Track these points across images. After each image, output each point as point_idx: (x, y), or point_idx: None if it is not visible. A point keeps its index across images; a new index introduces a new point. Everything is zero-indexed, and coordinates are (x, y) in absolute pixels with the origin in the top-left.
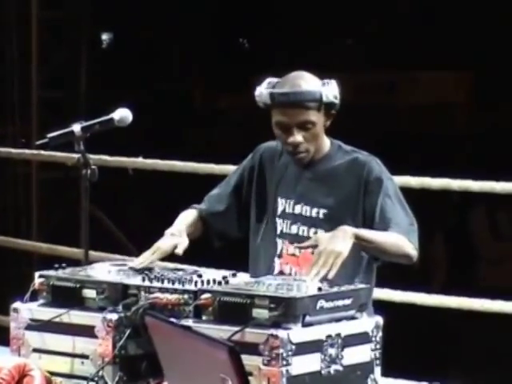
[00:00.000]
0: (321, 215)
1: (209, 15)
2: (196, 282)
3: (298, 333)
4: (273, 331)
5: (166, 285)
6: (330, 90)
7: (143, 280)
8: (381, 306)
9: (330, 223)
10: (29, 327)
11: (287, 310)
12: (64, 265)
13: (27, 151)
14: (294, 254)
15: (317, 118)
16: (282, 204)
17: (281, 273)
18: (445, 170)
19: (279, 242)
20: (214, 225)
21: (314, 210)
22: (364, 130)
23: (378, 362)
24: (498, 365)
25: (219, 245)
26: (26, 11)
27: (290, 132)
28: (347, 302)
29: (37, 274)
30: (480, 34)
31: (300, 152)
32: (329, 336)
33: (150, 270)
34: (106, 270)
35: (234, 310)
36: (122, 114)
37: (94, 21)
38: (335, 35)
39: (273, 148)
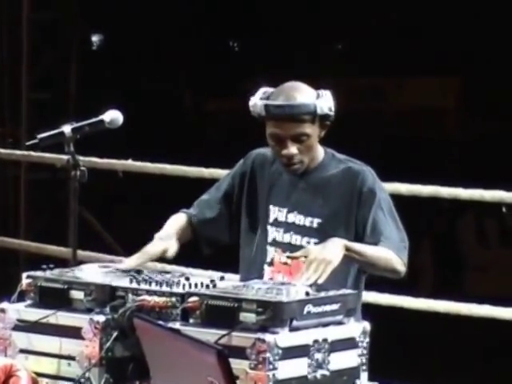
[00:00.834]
0: (314, 225)
1: (198, 18)
2: (184, 285)
3: (285, 337)
4: (260, 335)
5: (154, 287)
6: (324, 102)
7: (131, 282)
8: (369, 311)
9: (323, 233)
10: (16, 328)
11: (274, 315)
12: (52, 266)
13: (17, 152)
14: (286, 263)
15: (311, 130)
16: (274, 212)
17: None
18: (433, 175)
19: (271, 250)
20: (203, 232)
21: (308, 220)
22: (352, 135)
23: (364, 367)
24: (484, 368)
25: (208, 252)
26: (17, 12)
27: (285, 144)
28: (335, 307)
29: (24, 274)
30: (467, 40)
31: (294, 164)
32: (316, 341)
33: (139, 272)
34: (93, 271)
35: (222, 314)
36: (113, 116)
37: (84, 22)
38: (324, 40)
39: (264, 155)
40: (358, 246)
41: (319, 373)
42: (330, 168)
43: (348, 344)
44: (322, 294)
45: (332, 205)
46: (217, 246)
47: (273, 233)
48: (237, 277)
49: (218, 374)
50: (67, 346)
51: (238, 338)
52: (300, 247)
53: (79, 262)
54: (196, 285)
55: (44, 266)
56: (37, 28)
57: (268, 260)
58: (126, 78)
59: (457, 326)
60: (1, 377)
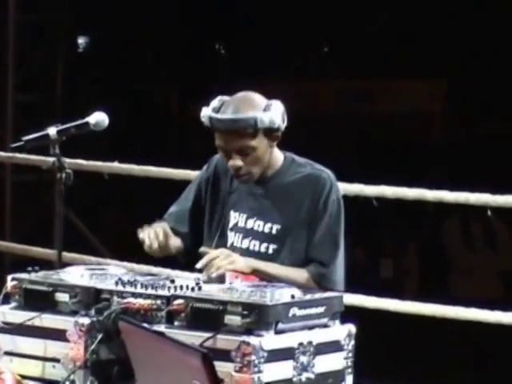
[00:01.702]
0: (274, 231)
1: (185, 23)
2: (169, 288)
3: (270, 340)
4: (245, 338)
5: (139, 290)
6: (268, 115)
7: (116, 284)
8: (354, 313)
9: (282, 239)
10: (1, 330)
11: (260, 317)
12: (37, 268)
13: (2, 154)
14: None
15: (256, 142)
16: (234, 217)
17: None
18: (420, 178)
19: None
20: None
21: (268, 226)
22: (340, 138)
23: (349, 370)
24: (471, 370)
25: (186, 260)
26: (3, 13)
27: (230, 156)
28: (320, 310)
29: (9, 276)
30: (455, 44)
31: (242, 175)
32: (301, 344)
33: (125, 274)
34: (78, 273)
35: (207, 316)
36: (98, 118)
37: (70, 24)
38: (311, 43)
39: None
40: (267, 268)
41: (304, 376)
42: (289, 174)
43: (333, 347)
44: (308, 297)
45: (291, 211)
46: (193, 255)
47: (232, 237)
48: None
49: (203, 378)
50: (52, 348)
51: (223, 341)
52: (258, 253)
53: (65, 264)
54: (181, 287)
55: (29, 268)
56: (23, 30)
57: None
58: (112, 80)
59: (443, 328)
60: None
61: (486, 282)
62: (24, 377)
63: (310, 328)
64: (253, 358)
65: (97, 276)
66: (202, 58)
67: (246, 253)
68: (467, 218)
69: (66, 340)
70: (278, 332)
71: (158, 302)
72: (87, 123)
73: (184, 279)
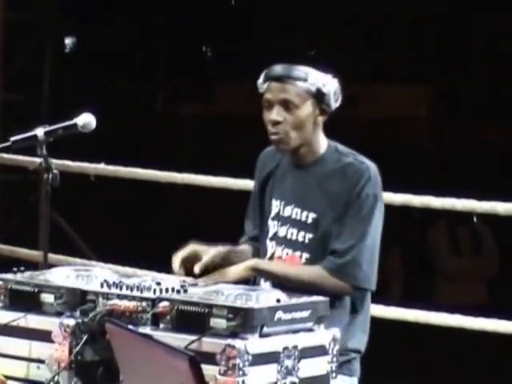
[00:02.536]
0: (309, 220)
1: (172, 23)
2: (155, 290)
3: (255, 343)
4: (230, 341)
5: (125, 291)
6: (322, 80)
7: (101, 286)
8: None
9: (317, 229)
10: None
11: (245, 321)
12: (22, 268)
13: None
14: (280, 257)
15: (302, 101)
16: (276, 206)
17: None
18: (405, 183)
19: (270, 244)
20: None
21: (304, 214)
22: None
23: (334, 374)
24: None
25: None
26: None
27: (272, 110)
28: (305, 314)
29: None
30: (440, 50)
31: (277, 133)
32: (286, 348)
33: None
34: (64, 274)
35: (192, 319)
36: (86, 120)
37: (57, 24)
38: (297, 47)
39: (269, 152)
40: (271, 267)
41: (289, 380)
42: (331, 162)
43: (318, 351)
44: (293, 301)
45: (327, 200)
46: None
47: (274, 227)
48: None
49: (190, 381)
50: (37, 349)
51: (208, 344)
52: (296, 242)
53: (50, 266)
54: (167, 290)
55: (15, 269)
56: (10, 29)
57: (268, 255)
58: (99, 81)
59: (428, 332)
60: None
61: (472, 288)
62: (8, 377)
63: (295, 332)
64: (238, 361)
65: (82, 277)
66: (189, 60)
67: (284, 241)
68: (454, 223)
69: (50, 341)
70: (262, 336)
71: (144, 304)
72: (75, 125)
73: (170, 281)
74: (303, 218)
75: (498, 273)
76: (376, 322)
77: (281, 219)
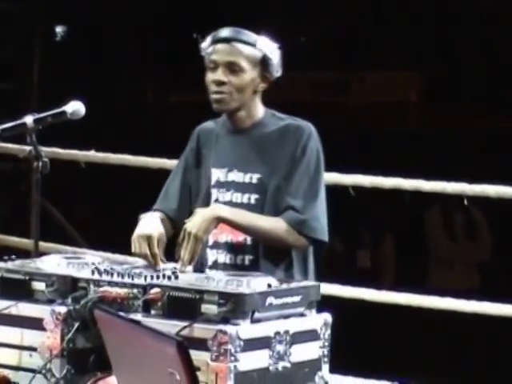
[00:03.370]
0: (254, 180)
1: (162, 11)
2: (145, 277)
3: (246, 329)
4: (221, 327)
5: (116, 278)
6: (269, 47)
7: (92, 273)
8: (330, 302)
9: (263, 189)
10: None
11: (236, 306)
12: (13, 256)
13: None
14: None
15: (248, 65)
16: (216, 174)
17: (215, 243)
18: (396, 169)
19: None
20: (177, 223)
21: (247, 176)
22: (316, 128)
23: (326, 359)
24: (447, 363)
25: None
26: None
27: (217, 71)
28: (296, 299)
29: None
30: (429, 35)
31: (221, 92)
32: (277, 333)
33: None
34: (55, 262)
35: (183, 305)
36: (75, 107)
37: (47, 12)
38: (287, 34)
39: (206, 126)
40: (235, 216)
41: (280, 365)
42: (270, 125)
43: (309, 336)
44: (284, 286)
45: (270, 160)
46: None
47: (214, 194)
48: None
49: (178, 366)
50: (29, 336)
51: (200, 330)
52: (241, 205)
53: (41, 254)
54: (158, 276)
55: (6, 257)
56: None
57: None
58: (89, 69)
59: (420, 317)
60: None
61: (465, 273)
62: (0, 365)
63: (287, 317)
64: (229, 346)
65: (73, 265)
66: (178, 47)
67: (230, 206)
68: (449, 208)
69: (42, 329)
70: (254, 321)
71: (135, 290)
72: (64, 112)
73: (161, 267)
74: (247, 180)
75: (490, 258)
76: (367, 306)
77: (224, 185)
